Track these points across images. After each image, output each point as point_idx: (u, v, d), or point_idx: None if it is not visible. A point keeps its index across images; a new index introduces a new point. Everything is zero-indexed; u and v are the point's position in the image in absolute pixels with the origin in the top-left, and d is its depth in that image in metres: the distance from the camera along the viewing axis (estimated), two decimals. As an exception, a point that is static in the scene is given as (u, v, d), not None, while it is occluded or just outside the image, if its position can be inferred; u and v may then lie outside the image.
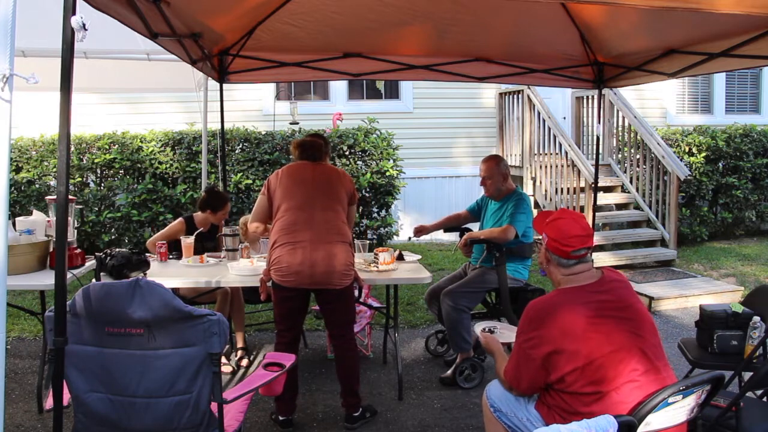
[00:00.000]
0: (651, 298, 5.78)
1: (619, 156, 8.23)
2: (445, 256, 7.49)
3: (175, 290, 3.09)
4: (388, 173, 7.22)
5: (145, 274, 3.48)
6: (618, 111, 8.06)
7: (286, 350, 3.26)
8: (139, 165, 6.95)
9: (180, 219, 4.43)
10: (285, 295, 3.27)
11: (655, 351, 2.09)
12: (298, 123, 7.83)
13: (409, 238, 4.43)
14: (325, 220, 3.26)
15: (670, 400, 1.92)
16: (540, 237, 2.31)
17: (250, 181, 6.88)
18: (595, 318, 2.06)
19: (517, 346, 2.18)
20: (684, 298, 5.89)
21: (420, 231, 4.40)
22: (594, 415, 1.96)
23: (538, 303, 2.18)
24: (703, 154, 8.11)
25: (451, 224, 4.61)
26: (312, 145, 3.50)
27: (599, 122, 5.05)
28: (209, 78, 4.53)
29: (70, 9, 1.73)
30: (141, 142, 7.01)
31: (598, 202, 6.90)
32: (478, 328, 3.01)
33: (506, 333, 2.96)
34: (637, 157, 7.72)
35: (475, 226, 4.52)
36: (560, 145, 7.49)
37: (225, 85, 4.50)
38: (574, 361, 2.02)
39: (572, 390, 2.06)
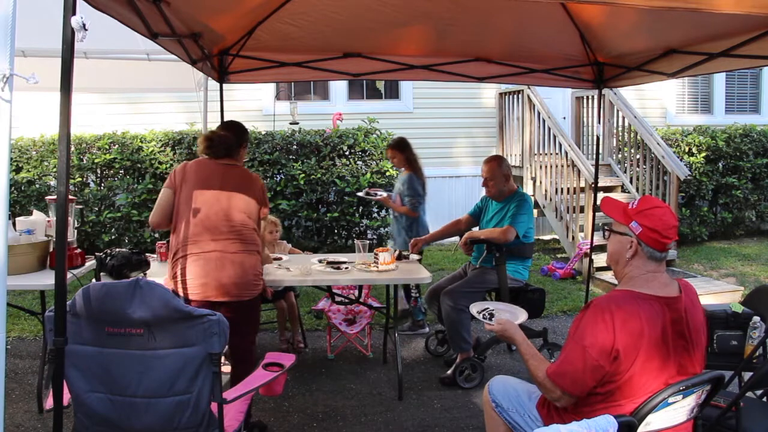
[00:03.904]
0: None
1: (619, 156, 8.23)
2: (445, 256, 7.49)
3: (173, 290, 3.10)
4: (388, 173, 7.22)
5: (145, 274, 3.49)
6: (618, 111, 8.05)
7: None
8: (139, 165, 6.95)
9: None
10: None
11: (693, 371, 2.03)
12: (298, 123, 7.84)
13: (401, 252, 4.25)
14: (234, 229, 3.09)
15: (670, 400, 1.92)
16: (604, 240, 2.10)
17: (250, 181, 6.87)
18: (660, 340, 1.92)
19: (580, 348, 1.95)
20: (684, 298, 5.88)
21: (415, 245, 4.39)
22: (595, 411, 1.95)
23: (611, 304, 1.93)
24: (703, 154, 8.11)
25: (450, 233, 4.56)
26: (221, 141, 3.22)
27: (599, 122, 5.05)
28: (209, 78, 4.53)
29: (70, 9, 1.73)
30: (141, 142, 7.02)
31: (598, 202, 6.89)
32: (474, 309, 2.83)
33: (507, 315, 2.77)
34: (637, 157, 7.71)
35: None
36: (560, 145, 7.49)
37: (225, 85, 4.50)
38: (618, 374, 1.92)
39: (592, 390, 1.98)
